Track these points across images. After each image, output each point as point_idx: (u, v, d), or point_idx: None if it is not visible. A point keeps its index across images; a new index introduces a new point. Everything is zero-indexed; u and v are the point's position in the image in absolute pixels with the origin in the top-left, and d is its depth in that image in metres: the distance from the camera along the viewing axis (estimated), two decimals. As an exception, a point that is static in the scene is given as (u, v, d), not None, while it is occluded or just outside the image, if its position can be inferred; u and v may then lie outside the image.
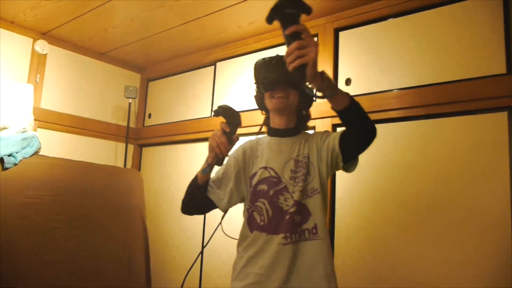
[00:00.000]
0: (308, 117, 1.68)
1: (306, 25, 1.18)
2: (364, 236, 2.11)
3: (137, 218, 2.59)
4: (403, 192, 2.03)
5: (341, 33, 2.43)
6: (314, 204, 1.45)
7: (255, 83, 1.62)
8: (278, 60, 1.52)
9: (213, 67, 3.06)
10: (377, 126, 2.09)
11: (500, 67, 1.89)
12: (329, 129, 2.31)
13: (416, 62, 2.11)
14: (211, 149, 1.44)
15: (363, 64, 2.29)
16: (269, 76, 1.52)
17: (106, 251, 2.40)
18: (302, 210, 1.44)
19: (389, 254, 2.02)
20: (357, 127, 1.36)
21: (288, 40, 1.15)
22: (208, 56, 3.07)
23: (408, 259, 1.96)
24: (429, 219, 1.93)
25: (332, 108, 1.37)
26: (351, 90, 2.29)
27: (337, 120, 2.29)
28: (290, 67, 1.17)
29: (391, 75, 2.18)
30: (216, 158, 1.44)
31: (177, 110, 3.23)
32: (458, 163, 1.91)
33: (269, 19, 1.16)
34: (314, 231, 1.43)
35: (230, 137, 1.44)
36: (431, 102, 2.01)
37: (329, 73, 2.38)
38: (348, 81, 2.33)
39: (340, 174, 2.25)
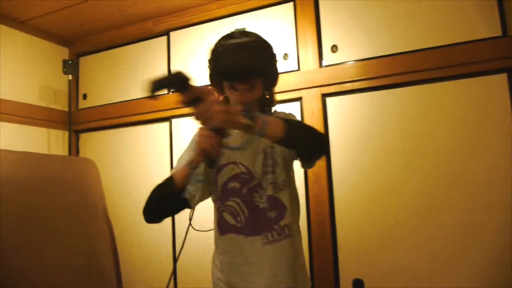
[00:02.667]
0: (272, 97, 1.50)
1: (197, 87, 1.06)
2: (364, 214, 2.03)
3: (100, 216, 2.19)
4: (404, 163, 1.98)
5: (320, -2, 2.28)
6: (287, 197, 1.34)
7: (210, 66, 1.41)
8: (243, 44, 1.32)
9: (165, 37, 2.69)
10: (370, 94, 2.08)
11: (495, 30, 1.90)
12: (319, 100, 2.16)
13: (409, 27, 2.04)
14: (202, 152, 1.20)
15: (349, 29, 2.17)
16: (230, 63, 1.31)
17: (69, 259, 1.98)
18: (277, 205, 1.32)
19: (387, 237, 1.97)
20: (303, 147, 1.22)
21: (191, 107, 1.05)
22: (158, 24, 2.69)
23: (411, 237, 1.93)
24: (434, 192, 1.91)
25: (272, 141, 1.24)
26: (339, 58, 2.17)
27: (326, 90, 2.16)
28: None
29: (381, 40, 2.10)
30: (209, 161, 1.23)
31: (122, 89, 2.80)
32: (460, 127, 1.90)
33: (153, 91, 1.03)
34: (293, 227, 1.36)
35: (224, 132, 1.19)
36: (427, 67, 1.97)
37: (312, 40, 2.22)
38: (333, 48, 2.19)
39: (335, 152, 2.13)
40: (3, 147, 2.28)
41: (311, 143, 1.21)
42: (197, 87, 1.06)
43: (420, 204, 1.92)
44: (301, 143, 1.19)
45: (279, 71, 1.48)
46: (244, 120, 1.07)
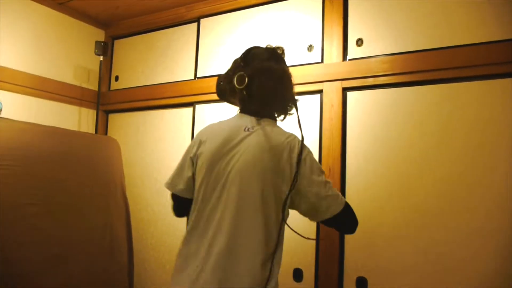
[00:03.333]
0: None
1: None
2: (375, 213, 2.00)
3: (118, 192, 2.27)
4: (421, 162, 1.93)
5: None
6: None
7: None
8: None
9: (196, 24, 2.74)
10: (392, 90, 2.04)
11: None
12: (339, 93, 2.13)
13: (437, 23, 1.98)
14: None
15: (376, 23, 2.12)
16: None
17: (87, 230, 2.08)
18: None
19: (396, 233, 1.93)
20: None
21: None
22: (190, 11, 2.74)
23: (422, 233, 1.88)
24: (448, 194, 1.85)
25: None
26: (363, 52, 2.13)
27: (348, 83, 2.13)
28: None
29: (408, 35, 2.04)
30: None
31: (151, 72, 2.88)
32: (481, 128, 1.82)
33: None
34: None
35: None
36: (453, 65, 1.90)
37: (338, 32, 2.19)
38: (359, 42, 2.15)
39: (351, 147, 2.10)
40: (39, 122, 2.42)
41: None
42: None
43: (433, 205, 1.87)
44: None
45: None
46: None
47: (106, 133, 3.03)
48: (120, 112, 3.02)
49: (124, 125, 2.98)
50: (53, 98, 2.72)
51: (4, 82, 2.43)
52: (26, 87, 2.56)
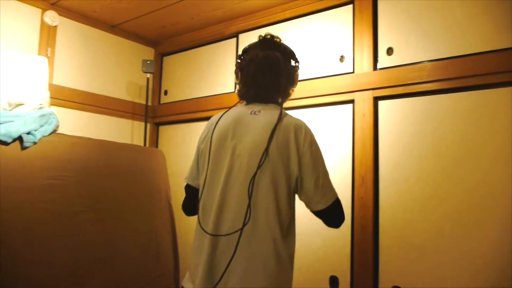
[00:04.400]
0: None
1: None
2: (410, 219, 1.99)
3: (163, 200, 2.44)
4: (453, 171, 1.89)
5: (380, -1, 2.26)
6: None
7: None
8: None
9: (235, 39, 2.87)
10: (423, 98, 2.02)
11: None
12: (370, 103, 2.15)
13: (468, 29, 1.94)
14: None
15: (406, 32, 2.12)
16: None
17: (133, 235, 2.25)
18: None
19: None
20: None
21: None
22: (229, 27, 2.88)
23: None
24: (482, 204, 1.80)
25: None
26: (393, 61, 2.13)
27: (379, 93, 2.14)
28: None
29: (438, 42, 2.02)
30: None
31: (196, 86, 3.05)
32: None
33: None
34: None
35: None
36: (485, 71, 1.85)
37: (368, 42, 2.21)
38: (389, 51, 2.16)
39: (383, 156, 2.11)
40: (99, 137, 2.66)
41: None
42: None
43: (467, 215, 1.83)
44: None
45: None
46: None
47: (156, 144, 3.24)
48: (169, 124, 3.22)
49: (173, 136, 3.17)
50: (107, 113, 2.97)
51: (61, 100, 2.71)
52: (82, 103, 2.83)
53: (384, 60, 2.17)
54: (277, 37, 1.53)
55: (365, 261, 2.07)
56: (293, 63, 1.50)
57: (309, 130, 1.41)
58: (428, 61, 2.02)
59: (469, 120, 1.88)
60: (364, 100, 2.18)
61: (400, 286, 1.97)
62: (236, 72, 1.52)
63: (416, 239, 1.95)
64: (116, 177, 2.26)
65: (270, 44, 1.49)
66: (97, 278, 2.03)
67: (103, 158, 2.25)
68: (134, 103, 3.15)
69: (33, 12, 2.64)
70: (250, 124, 1.39)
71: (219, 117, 1.48)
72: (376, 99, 2.16)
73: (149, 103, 3.24)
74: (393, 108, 2.11)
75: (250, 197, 1.28)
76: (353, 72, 2.26)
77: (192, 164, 1.55)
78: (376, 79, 2.15)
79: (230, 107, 1.48)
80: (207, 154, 1.43)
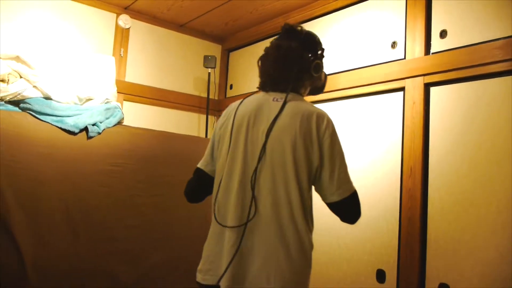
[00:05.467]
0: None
1: None
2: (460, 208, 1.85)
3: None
4: (509, 162, 1.72)
5: (434, -20, 2.12)
6: None
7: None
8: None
9: (294, 31, 2.88)
10: (476, 83, 1.86)
11: None
12: (421, 90, 2.04)
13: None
14: None
15: (459, 13, 1.97)
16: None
17: (186, 219, 2.41)
18: None
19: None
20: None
21: None
22: (287, 19, 2.90)
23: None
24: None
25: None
26: (447, 44, 2.00)
27: (430, 79, 2.02)
28: None
29: (491, 23, 1.84)
30: None
31: (257, 79, 3.12)
32: None
33: None
34: None
35: None
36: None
37: (421, 26, 2.09)
38: (443, 33, 2.02)
39: (433, 146, 1.99)
40: (167, 129, 2.88)
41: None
42: None
43: (521, 210, 1.66)
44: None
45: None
46: None
47: (222, 137, 3.38)
48: (233, 117, 3.34)
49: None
50: (175, 107, 3.18)
51: (134, 95, 2.97)
52: (152, 98, 3.07)
53: (437, 44, 2.04)
54: (298, 26, 1.50)
55: (411, 255, 1.98)
56: (312, 51, 1.47)
57: (331, 121, 1.38)
58: (483, 42, 1.86)
59: (528, 105, 1.70)
60: (414, 87, 2.07)
61: (447, 283, 1.85)
62: (257, 64, 1.54)
63: (466, 234, 1.81)
64: (172, 165, 2.42)
65: (290, 34, 1.47)
66: (152, 256, 2.22)
67: (162, 147, 2.43)
68: (200, 98, 3.33)
69: (108, 16, 2.93)
70: (272, 110, 1.39)
71: (238, 104, 1.49)
72: (428, 86, 2.04)
73: (216, 97, 3.39)
74: (445, 94, 1.97)
75: (277, 186, 1.32)
76: (404, 58, 2.16)
77: (207, 151, 1.54)
78: (428, 64, 2.03)
79: (249, 95, 1.52)
80: (226, 140, 1.42)
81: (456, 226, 1.85)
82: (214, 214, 1.41)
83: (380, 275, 2.11)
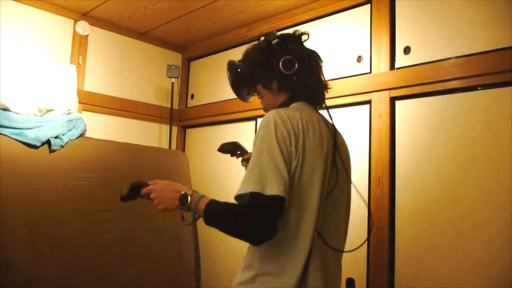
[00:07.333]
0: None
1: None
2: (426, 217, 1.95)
3: (184, 201, 2.52)
4: (471, 171, 1.84)
5: (397, -2, 2.22)
6: None
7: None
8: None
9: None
10: (439, 97, 1.97)
11: None
12: (387, 103, 2.13)
13: (484, 26, 1.88)
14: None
15: (423, 30, 2.08)
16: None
17: (155, 233, 2.35)
18: None
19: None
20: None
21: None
22: (251, 30, 2.92)
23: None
24: (502, 206, 1.74)
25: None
26: (411, 60, 2.10)
27: (395, 93, 2.11)
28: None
29: (453, 41, 1.97)
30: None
31: (221, 89, 3.11)
32: (540, 135, 1.70)
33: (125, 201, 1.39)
34: None
35: None
36: (502, 69, 1.79)
37: (385, 41, 2.19)
38: (406, 50, 2.13)
39: (400, 156, 2.08)
40: (128, 140, 2.79)
41: (232, 235, 1.15)
42: (144, 191, 1.32)
43: (485, 217, 1.77)
44: (222, 231, 1.15)
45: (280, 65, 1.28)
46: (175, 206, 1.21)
47: (184, 147, 3.34)
48: (195, 127, 3.30)
49: (199, 139, 3.26)
50: (135, 117, 3.10)
51: (92, 105, 2.86)
52: (112, 108, 2.97)
53: (401, 60, 2.14)
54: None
55: (381, 263, 2.05)
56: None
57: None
58: (445, 59, 1.98)
59: (487, 119, 1.82)
60: (381, 101, 2.16)
61: (415, 287, 1.94)
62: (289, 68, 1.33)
63: (433, 240, 1.91)
64: (138, 178, 2.34)
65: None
66: (122, 274, 2.14)
67: (127, 160, 2.36)
68: (162, 107, 3.26)
69: (66, 23, 2.81)
70: (330, 137, 1.28)
71: (298, 119, 1.19)
72: (393, 99, 2.14)
73: (176, 107, 3.34)
74: (410, 108, 2.07)
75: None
76: (370, 73, 2.24)
77: (278, 169, 1.10)
78: (393, 78, 2.13)
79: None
80: (318, 171, 1.17)
81: (423, 232, 1.94)
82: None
83: (350, 284, 2.17)
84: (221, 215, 1.14)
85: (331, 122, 1.31)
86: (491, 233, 1.75)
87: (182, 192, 1.20)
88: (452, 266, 1.84)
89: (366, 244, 2.13)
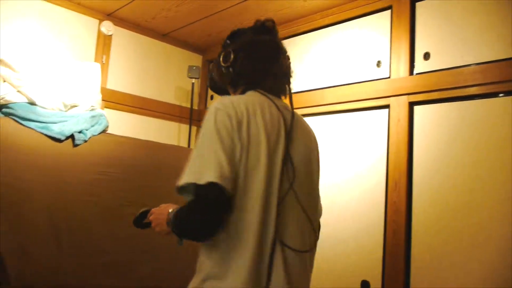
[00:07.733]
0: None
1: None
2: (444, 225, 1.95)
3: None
4: (489, 178, 1.83)
5: (418, 4, 2.24)
6: None
7: None
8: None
9: (276, 45, 2.94)
10: (458, 104, 1.98)
11: None
12: (406, 108, 2.14)
13: (500, 35, 1.89)
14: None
15: (443, 36, 2.09)
16: None
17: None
18: None
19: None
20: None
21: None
22: (271, 34, 2.96)
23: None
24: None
25: None
26: (430, 66, 2.11)
27: (414, 98, 2.13)
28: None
29: (473, 48, 1.98)
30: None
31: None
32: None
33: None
34: None
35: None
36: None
37: (405, 47, 2.20)
38: (426, 55, 2.14)
39: (417, 162, 2.09)
40: (147, 138, 2.83)
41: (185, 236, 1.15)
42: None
43: (501, 226, 1.77)
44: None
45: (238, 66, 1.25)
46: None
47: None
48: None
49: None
50: (155, 115, 3.16)
51: (114, 103, 2.93)
52: (133, 106, 3.03)
53: (420, 65, 2.15)
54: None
55: (396, 267, 2.06)
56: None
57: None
58: (465, 65, 1.99)
59: (506, 126, 1.82)
60: (399, 105, 2.17)
61: (431, 294, 1.94)
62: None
63: (448, 247, 1.91)
64: (158, 175, 2.40)
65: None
66: (139, 269, 2.18)
67: (148, 157, 2.41)
68: (181, 107, 3.32)
69: (91, 23, 2.89)
70: (286, 120, 1.24)
71: (245, 104, 1.14)
72: (412, 104, 2.15)
73: (196, 107, 3.39)
74: (429, 113, 2.08)
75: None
76: (389, 77, 2.26)
77: (216, 156, 1.04)
78: (412, 84, 2.14)
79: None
80: (262, 157, 1.09)
81: (439, 239, 1.95)
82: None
83: (365, 286, 2.17)
84: (174, 222, 1.13)
85: (290, 109, 1.26)
86: (508, 245, 1.74)
87: (170, 210, 1.15)
88: (467, 276, 1.83)
89: (382, 247, 2.14)
